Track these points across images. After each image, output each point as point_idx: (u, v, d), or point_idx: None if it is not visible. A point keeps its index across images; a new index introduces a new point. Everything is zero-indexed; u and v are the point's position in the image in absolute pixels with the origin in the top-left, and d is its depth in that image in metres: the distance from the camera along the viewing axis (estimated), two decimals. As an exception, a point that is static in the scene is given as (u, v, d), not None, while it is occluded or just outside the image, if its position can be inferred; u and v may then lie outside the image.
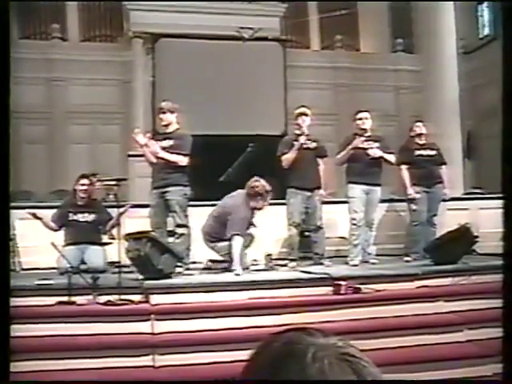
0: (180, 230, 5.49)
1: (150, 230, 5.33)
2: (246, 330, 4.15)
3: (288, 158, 5.96)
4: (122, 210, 5.44)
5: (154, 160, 5.55)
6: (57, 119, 10.72)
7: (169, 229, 5.65)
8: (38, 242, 5.92)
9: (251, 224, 5.65)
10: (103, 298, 4.37)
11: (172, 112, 5.65)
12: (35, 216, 5.65)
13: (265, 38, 10.38)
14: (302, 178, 5.95)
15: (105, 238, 6.01)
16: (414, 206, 6.48)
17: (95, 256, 5.73)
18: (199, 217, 6.24)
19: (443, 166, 6.65)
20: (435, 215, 6.51)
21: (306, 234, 6.25)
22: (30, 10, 10.98)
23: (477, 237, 5.85)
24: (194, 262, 5.81)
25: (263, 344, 0.69)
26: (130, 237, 4.95)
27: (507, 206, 1.63)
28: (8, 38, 1.81)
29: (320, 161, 6.17)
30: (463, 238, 5.73)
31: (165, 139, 5.59)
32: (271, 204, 6.09)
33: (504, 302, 1.61)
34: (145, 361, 3.92)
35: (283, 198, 6.11)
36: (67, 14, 11.32)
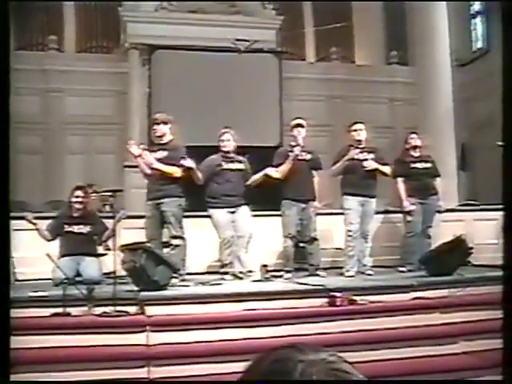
0: (175, 242, 5.48)
1: (146, 241, 5.33)
2: (242, 341, 4.14)
3: (283, 169, 5.97)
4: (116, 217, 5.43)
5: (149, 171, 5.55)
6: (53, 130, 10.73)
7: (164, 240, 5.64)
8: (32, 253, 5.90)
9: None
10: (98, 310, 4.35)
11: (166, 123, 5.67)
12: (30, 221, 5.63)
13: (260, 50, 10.45)
14: (297, 189, 5.96)
15: (100, 250, 5.99)
16: (409, 218, 6.51)
17: (90, 267, 5.70)
18: (194, 228, 6.24)
19: (438, 178, 6.69)
20: (430, 227, 6.53)
21: (301, 245, 6.25)
22: (27, 21, 11.02)
23: (472, 248, 5.86)
24: (190, 274, 5.80)
25: (253, 362, 0.68)
26: (126, 248, 4.93)
27: (507, 217, 1.64)
28: (8, 46, 1.81)
29: (315, 172, 6.19)
30: (458, 249, 5.74)
31: (159, 150, 5.60)
32: (266, 215, 6.10)
33: (504, 313, 1.62)
34: (140, 373, 3.90)
35: (278, 210, 6.11)
36: (64, 25, 11.37)
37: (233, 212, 5.88)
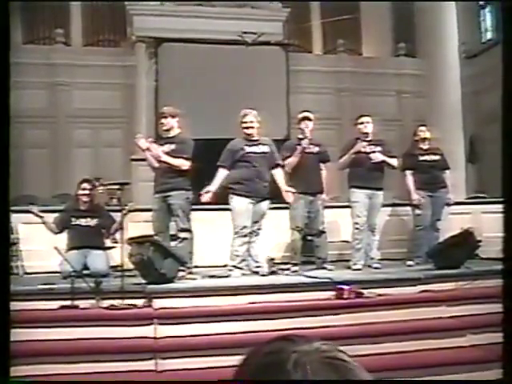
0: (183, 235, 5.49)
1: (153, 234, 5.34)
2: (249, 334, 4.15)
3: (290, 162, 5.96)
4: (124, 211, 5.45)
5: (157, 164, 5.56)
6: (60, 123, 10.75)
7: (171, 233, 5.65)
8: (41, 247, 5.95)
9: None
10: (106, 303, 4.38)
11: (173, 116, 5.66)
12: (36, 214, 5.67)
13: (267, 43, 10.40)
14: (304, 182, 5.94)
15: (107, 242, 6.02)
16: (418, 211, 6.48)
17: (98, 260, 5.73)
18: (202, 221, 6.25)
19: (447, 171, 6.65)
20: (439, 220, 6.50)
21: (309, 238, 6.25)
22: (34, 15, 11.04)
23: (480, 241, 5.83)
24: (197, 267, 5.81)
25: (247, 356, 0.69)
26: (133, 241, 4.95)
27: (507, 210, 1.63)
28: (8, 39, 1.81)
29: (322, 165, 6.17)
30: (466, 242, 5.72)
31: (167, 143, 5.60)
32: (273, 208, 6.09)
33: (504, 306, 1.61)
34: (147, 365, 3.92)
35: (285, 203, 6.10)
36: (71, 19, 11.38)
37: (254, 203, 5.60)
